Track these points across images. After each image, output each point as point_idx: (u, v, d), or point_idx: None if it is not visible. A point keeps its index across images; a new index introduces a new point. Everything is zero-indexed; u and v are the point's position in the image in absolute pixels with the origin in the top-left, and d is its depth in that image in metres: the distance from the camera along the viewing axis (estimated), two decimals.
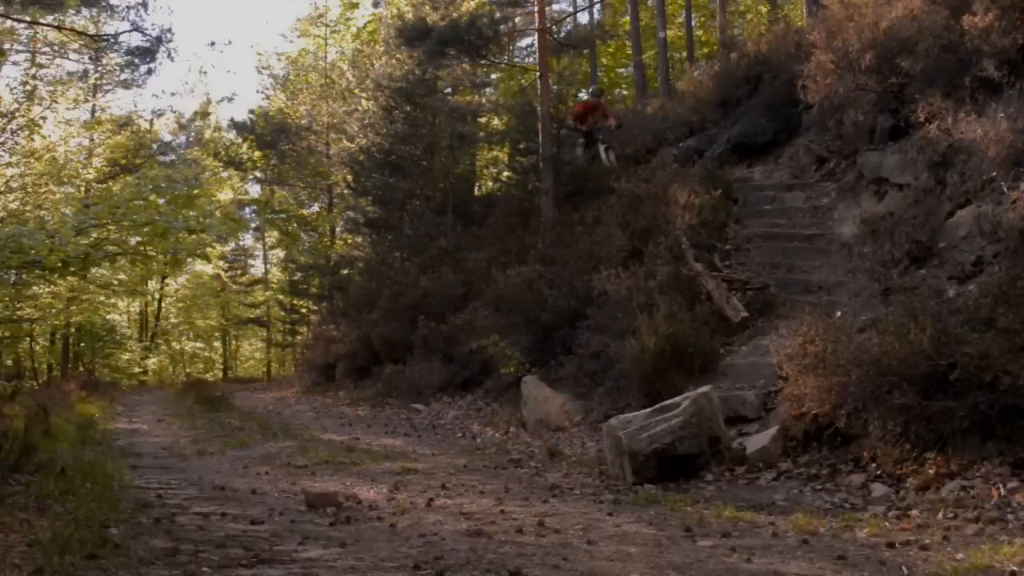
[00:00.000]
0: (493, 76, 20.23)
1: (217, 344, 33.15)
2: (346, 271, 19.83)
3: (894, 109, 8.78)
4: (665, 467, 5.72)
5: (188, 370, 31.10)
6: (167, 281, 28.78)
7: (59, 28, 14.91)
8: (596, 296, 9.29)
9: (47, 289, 14.28)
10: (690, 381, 7.08)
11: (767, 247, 9.38)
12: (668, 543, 4.13)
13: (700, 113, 13.62)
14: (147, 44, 15.01)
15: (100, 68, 18.90)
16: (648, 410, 6.09)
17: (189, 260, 12.36)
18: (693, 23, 20.79)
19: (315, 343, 17.98)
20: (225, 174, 25.52)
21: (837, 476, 5.38)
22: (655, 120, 14.45)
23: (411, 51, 15.46)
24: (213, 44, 39.88)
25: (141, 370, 25.90)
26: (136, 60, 16.44)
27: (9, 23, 13.75)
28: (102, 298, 19.33)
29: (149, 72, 20.19)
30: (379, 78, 19.12)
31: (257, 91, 40.82)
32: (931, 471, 4.91)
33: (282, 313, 26.28)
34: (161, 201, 5.42)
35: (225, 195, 25.16)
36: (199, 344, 32.60)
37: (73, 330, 21.23)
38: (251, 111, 25.76)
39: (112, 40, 15.79)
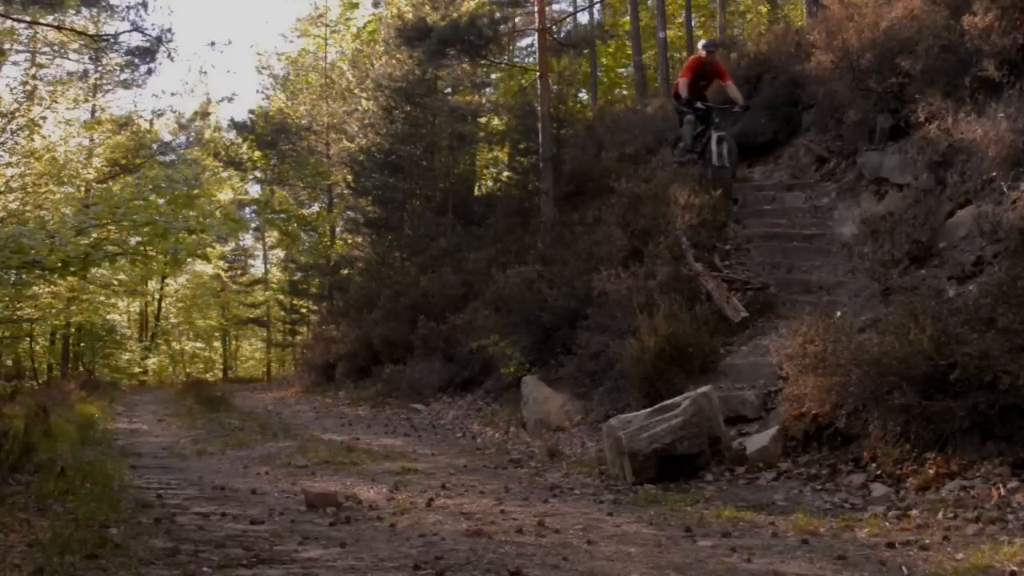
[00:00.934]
0: (493, 76, 20.23)
1: (217, 344, 33.17)
2: (346, 271, 19.84)
3: (894, 109, 8.78)
4: (665, 467, 5.72)
5: (188, 370, 31.11)
6: (167, 281, 28.79)
7: (59, 28, 14.91)
8: (596, 296, 9.29)
9: (47, 289, 14.28)
10: (690, 381, 7.08)
11: (767, 247, 9.38)
12: (668, 543, 4.13)
13: None
14: (147, 44, 15.05)
15: (100, 68, 18.90)
16: (648, 410, 6.09)
17: (189, 260, 12.37)
18: (693, 23, 20.80)
19: (315, 343, 17.98)
20: (225, 174, 25.53)
21: (837, 476, 5.38)
22: (655, 120, 14.43)
23: (411, 51, 15.45)
24: (213, 44, 39.92)
25: (141, 370, 25.90)
26: (136, 60, 16.47)
27: (9, 23, 13.74)
28: (102, 298, 19.33)
29: (149, 72, 20.23)
30: (379, 78, 19.12)
31: (257, 91, 40.86)
32: (931, 471, 4.91)
33: (282, 313, 26.28)
34: (161, 201, 5.42)
35: (225, 195, 25.18)
36: (199, 344, 32.61)
37: (73, 330, 21.23)
38: (251, 111, 25.81)
39: (112, 40, 15.81)
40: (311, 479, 6.30)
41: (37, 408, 7.64)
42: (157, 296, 29.71)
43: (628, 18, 20.42)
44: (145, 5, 16.56)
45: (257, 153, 24.50)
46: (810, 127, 11.16)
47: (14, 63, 16.58)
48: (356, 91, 22.72)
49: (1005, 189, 6.87)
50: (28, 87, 15.33)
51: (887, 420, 5.21)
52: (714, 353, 7.64)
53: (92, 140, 20.39)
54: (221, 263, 29.25)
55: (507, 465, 6.98)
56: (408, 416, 10.94)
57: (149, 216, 5.19)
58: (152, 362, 28.33)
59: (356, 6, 26.29)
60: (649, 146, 13.49)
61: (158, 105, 25.39)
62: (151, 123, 24.06)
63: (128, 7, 15.12)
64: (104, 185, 17.30)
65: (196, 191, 5.66)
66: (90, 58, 18.15)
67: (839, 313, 6.97)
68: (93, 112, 20.42)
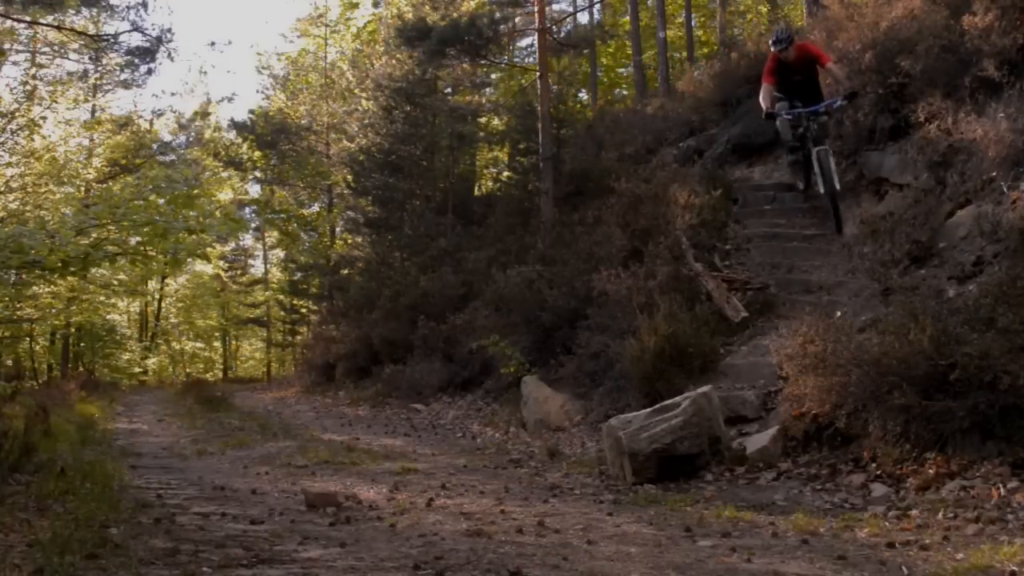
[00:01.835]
0: (493, 76, 20.24)
1: (217, 344, 33.19)
2: (346, 271, 19.85)
3: (894, 109, 8.78)
4: (665, 467, 5.72)
5: (188, 370, 31.11)
6: (167, 281, 28.81)
7: (59, 28, 14.92)
8: (596, 296, 9.29)
9: (47, 289, 14.28)
10: (690, 381, 7.08)
11: (767, 247, 9.37)
12: (668, 543, 4.13)
13: (700, 113, 13.62)
14: (147, 44, 15.05)
15: (100, 68, 18.91)
16: (648, 410, 6.09)
17: (189, 260, 12.37)
18: (693, 23, 20.80)
19: (315, 343, 17.99)
20: (225, 174, 25.55)
21: (837, 476, 5.38)
22: (655, 120, 14.44)
23: (411, 51, 15.46)
24: (213, 44, 40.01)
25: (141, 370, 25.91)
26: (136, 60, 16.47)
27: (9, 23, 13.75)
28: (102, 298, 19.34)
29: (149, 72, 20.25)
30: (379, 78, 19.13)
31: (257, 91, 40.93)
32: (931, 471, 4.91)
33: (282, 313, 26.29)
34: (161, 201, 5.43)
35: (225, 195, 25.20)
36: (199, 344, 32.63)
37: (73, 330, 21.24)
38: (251, 111, 25.83)
39: (112, 40, 15.81)
40: (311, 479, 6.30)
41: (37, 408, 7.63)
42: (157, 296, 29.72)
43: (628, 18, 20.42)
44: (145, 5, 16.59)
45: (257, 153, 24.51)
46: None
47: (14, 63, 16.60)
48: (356, 91, 22.73)
49: (1005, 189, 6.87)
50: (28, 87, 15.34)
51: (887, 420, 5.21)
52: (714, 353, 7.63)
53: (92, 140, 20.41)
54: (221, 263, 29.27)
55: (507, 465, 6.98)
56: (408, 416, 10.94)
57: (149, 216, 5.19)
58: (152, 362, 28.34)
59: (356, 6, 26.31)
60: (649, 146, 13.49)
61: (158, 105, 25.48)
62: (151, 123, 24.09)
63: (128, 7, 15.15)
64: (104, 185, 17.31)
65: (196, 191, 5.66)
66: (90, 58, 18.15)
67: (839, 313, 6.96)
68: (93, 112, 20.43)
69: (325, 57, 26.12)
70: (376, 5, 24.77)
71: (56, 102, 15.87)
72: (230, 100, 48.33)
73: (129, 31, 15.17)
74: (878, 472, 5.20)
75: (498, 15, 15.10)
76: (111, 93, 20.52)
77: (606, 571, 3.59)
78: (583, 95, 21.05)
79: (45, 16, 13.44)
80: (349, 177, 19.36)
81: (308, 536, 4.20)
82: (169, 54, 15.50)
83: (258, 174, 25.67)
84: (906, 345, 5.22)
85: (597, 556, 3.84)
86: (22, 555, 3.46)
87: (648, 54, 21.08)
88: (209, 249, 10.53)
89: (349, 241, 22.26)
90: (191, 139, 26.15)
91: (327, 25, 26.43)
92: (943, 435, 5.03)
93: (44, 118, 15.56)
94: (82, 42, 16.16)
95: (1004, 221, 6.56)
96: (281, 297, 26.41)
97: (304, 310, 24.64)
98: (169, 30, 22.36)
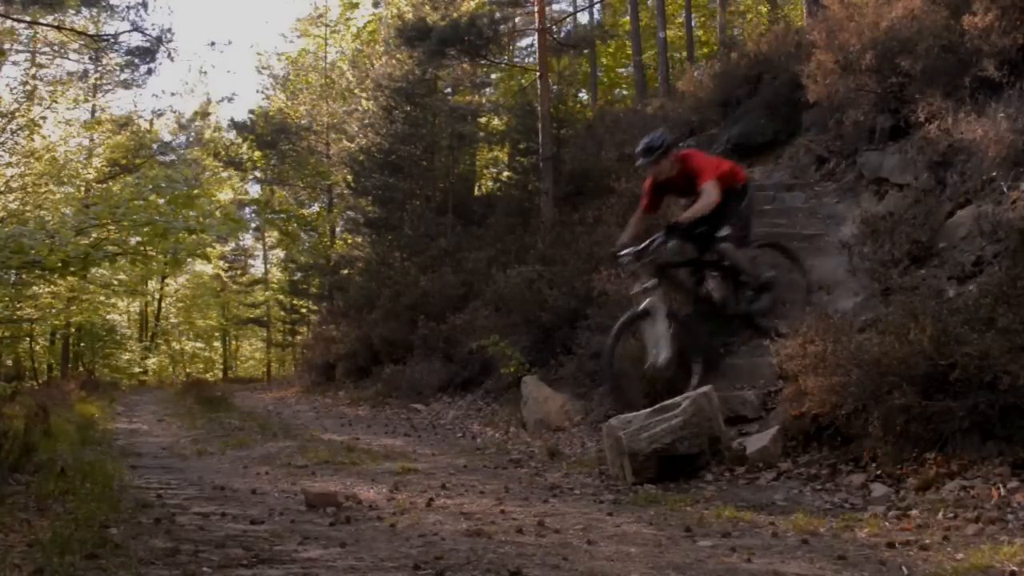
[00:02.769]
0: (493, 76, 20.24)
1: (217, 344, 33.20)
2: (346, 271, 19.86)
3: (894, 109, 8.78)
4: (665, 467, 5.72)
5: (188, 370, 31.12)
6: (167, 281, 28.82)
7: (59, 28, 14.93)
8: (596, 296, 9.29)
9: (47, 289, 14.29)
10: (690, 381, 7.07)
11: None
12: (668, 543, 4.13)
13: (700, 113, 13.62)
14: (147, 44, 15.05)
15: (100, 68, 18.93)
16: (648, 410, 6.09)
17: (189, 260, 12.38)
18: (693, 23, 20.81)
19: (315, 343, 17.99)
20: (225, 174, 25.56)
21: (837, 476, 5.38)
22: (655, 120, 14.43)
23: (411, 51, 15.46)
24: (213, 44, 40.02)
25: (141, 370, 25.93)
26: (136, 60, 16.46)
27: (9, 23, 13.75)
28: (102, 298, 19.35)
29: (149, 72, 20.25)
30: (379, 78, 19.14)
31: (257, 91, 40.90)
32: (931, 471, 4.91)
33: (282, 313, 26.31)
34: (161, 201, 5.43)
35: (225, 195, 25.21)
36: (199, 344, 32.65)
37: (73, 330, 21.26)
38: (251, 111, 25.84)
39: (112, 40, 15.81)
40: (311, 479, 6.29)
41: (37, 408, 7.63)
42: (157, 296, 29.73)
43: (628, 18, 20.43)
44: (145, 5, 16.55)
45: (257, 153, 24.53)
46: (810, 127, 11.16)
47: (14, 63, 16.61)
48: (356, 91, 22.73)
49: (1005, 189, 6.87)
50: (28, 87, 15.35)
51: (887, 420, 5.21)
52: (714, 353, 7.63)
53: (92, 140, 20.42)
54: (221, 263, 29.29)
55: (507, 465, 6.98)
56: (408, 416, 10.94)
57: (149, 216, 5.19)
58: (152, 362, 28.35)
59: (356, 6, 26.32)
60: None
61: (158, 105, 25.51)
62: (151, 123, 24.10)
63: (128, 7, 15.15)
64: (104, 185, 17.31)
65: (196, 191, 5.66)
66: (90, 58, 18.16)
67: (839, 313, 6.96)
68: (93, 112, 20.44)
69: (325, 57, 26.14)
70: (376, 5, 24.77)
71: (56, 102, 15.88)
72: (230, 100, 48.41)
73: (129, 31, 15.18)
74: (878, 472, 5.20)
75: (498, 15, 15.10)
76: (111, 93, 20.57)
77: (606, 571, 3.58)
78: (583, 95, 21.06)
79: (45, 16, 13.45)
80: (349, 177, 19.36)
81: (308, 536, 4.20)
82: (169, 54, 15.49)
83: (258, 174, 25.68)
84: (906, 345, 5.22)
85: (597, 556, 3.84)
86: (22, 555, 3.46)
87: (648, 54, 21.08)
88: (209, 249, 10.53)
89: (349, 241, 22.27)
90: (191, 139, 26.17)
91: (327, 25, 26.45)
92: (943, 435, 5.03)
93: (44, 118, 15.58)
94: (82, 42, 16.17)
95: (1004, 221, 6.56)
96: (281, 297, 26.42)
97: (304, 310, 24.65)
98: (169, 30, 22.35)
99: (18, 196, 14.98)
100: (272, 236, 29.27)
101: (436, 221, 15.80)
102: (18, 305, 13.83)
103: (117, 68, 18.59)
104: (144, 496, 5.28)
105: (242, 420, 10.88)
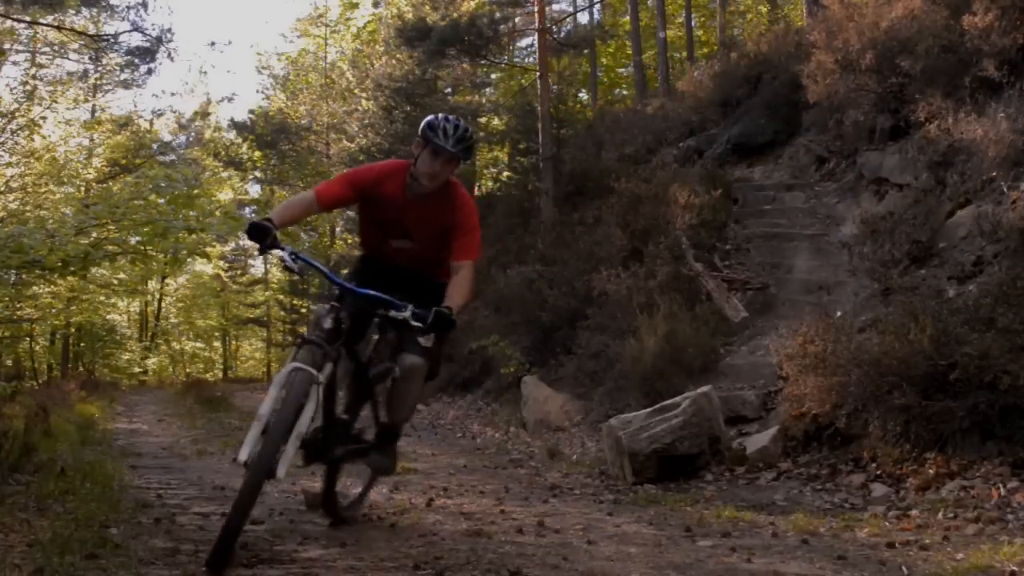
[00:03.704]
0: (493, 76, 20.23)
1: (217, 344, 33.17)
2: (346, 271, 19.84)
3: (894, 109, 8.78)
4: (665, 467, 5.72)
5: (188, 370, 31.10)
6: (167, 281, 28.78)
7: (59, 28, 14.92)
8: (596, 296, 9.29)
9: (47, 289, 14.27)
10: (690, 381, 7.08)
11: (767, 247, 9.38)
12: (668, 543, 4.13)
13: (700, 113, 13.62)
14: (147, 44, 15.03)
15: (100, 68, 18.90)
16: (648, 410, 6.09)
17: (189, 260, 12.38)
18: (693, 23, 20.80)
19: None
20: (225, 174, 25.53)
21: (837, 476, 5.39)
22: (655, 120, 14.44)
23: (411, 51, 15.45)
24: (213, 44, 39.99)
25: (141, 370, 25.91)
26: (136, 60, 16.45)
27: (9, 23, 13.75)
28: (102, 298, 19.33)
29: (149, 72, 20.24)
30: (379, 78, 19.12)
31: (257, 91, 40.89)
32: (931, 471, 4.91)
33: (282, 313, 26.29)
34: (161, 201, 5.44)
35: (225, 195, 25.17)
36: (199, 344, 32.61)
37: (73, 330, 21.24)
38: (251, 111, 25.82)
39: (112, 40, 15.80)
40: (311, 479, 6.29)
41: (37, 408, 7.62)
42: (157, 296, 29.71)
43: (628, 18, 20.42)
44: (145, 5, 16.58)
45: (257, 153, 24.51)
46: (810, 127, 11.16)
47: (14, 63, 16.59)
48: (356, 91, 22.72)
49: (1005, 189, 6.87)
50: (28, 87, 15.34)
51: (887, 420, 5.21)
52: (714, 353, 7.64)
53: (92, 140, 20.40)
54: (221, 263, 29.25)
55: (507, 465, 6.98)
56: None
57: (149, 216, 5.21)
58: (152, 362, 28.33)
59: (356, 6, 26.30)
60: (649, 146, 13.49)
61: (158, 105, 25.45)
62: (151, 123, 24.07)
63: (128, 7, 15.13)
64: (104, 185, 17.30)
65: (196, 191, 5.67)
66: (90, 58, 18.14)
67: (839, 313, 6.97)
68: (93, 112, 20.43)
69: (325, 57, 26.13)
70: (376, 5, 24.76)
71: (56, 102, 15.87)
72: (230, 100, 48.39)
73: (129, 31, 15.16)
74: (878, 472, 5.20)
75: (498, 15, 15.10)
76: (111, 93, 20.53)
77: (606, 571, 3.58)
78: (583, 95, 21.05)
79: (45, 16, 13.44)
80: None
81: (308, 536, 4.19)
82: (169, 54, 15.48)
83: (258, 174, 25.67)
84: (906, 345, 5.22)
85: (597, 556, 3.84)
86: (22, 555, 3.45)
87: (648, 54, 21.07)
88: (209, 248, 10.53)
89: (349, 241, 22.26)
90: (191, 139, 26.15)
91: (327, 25, 26.44)
92: (943, 435, 5.03)
93: (44, 118, 15.57)
94: (82, 42, 16.15)
95: (1004, 221, 6.56)
96: (281, 297, 26.41)
97: (304, 310, 24.64)
98: (169, 30, 22.37)
99: (18, 196, 14.97)
100: None
101: None
102: (18, 305, 13.82)
103: (117, 68, 18.57)
104: (144, 496, 5.27)
105: (242, 420, 10.87)
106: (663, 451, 5.69)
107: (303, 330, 5.81)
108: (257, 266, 31.98)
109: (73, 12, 14.58)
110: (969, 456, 4.90)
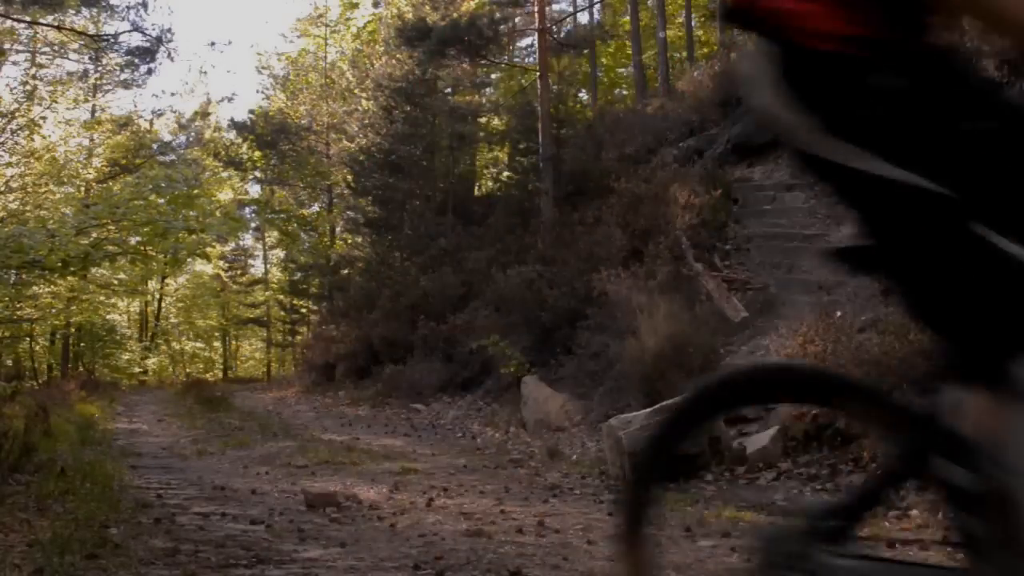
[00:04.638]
0: (493, 76, 20.24)
1: (217, 344, 33.17)
2: (346, 271, 19.85)
3: None
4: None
5: (188, 370, 31.09)
6: (167, 281, 28.78)
7: (59, 28, 14.93)
8: (596, 296, 9.29)
9: (47, 289, 14.28)
10: (690, 381, 7.07)
11: (767, 247, 9.38)
12: (668, 543, 4.13)
13: (700, 113, 13.62)
14: (147, 44, 15.07)
15: (100, 68, 18.91)
16: (648, 410, 6.09)
17: (189, 260, 12.38)
18: (693, 23, 20.79)
19: (315, 343, 17.99)
20: (225, 174, 25.53)
21: (837, 476, 5.38)
22: (655, 120, 14.44)
23: (411, 51, 15.47)
24: (213, 44, 40.12)
25: (141, 370, 25.91)
26: (136, 60, 16.48)
27: (9, 23, 13.75)
28: (102, 298, 19.33)
29: (149, 72, 20.23)
30: (379, 78, 19.13)
31: (257, 91, 40.91)
32: None
33: (282, 313, 26.30)
34: (161, 201, 5.44)
35: (225, 195, 25.17)
36: (199, 344, 32.62)
37: (73, 330, 21.24)
38: (251, 111, 25.85)
39: (112, 40, 15.82)
40: (311, 479, 6.29)
41: (37, 408, 7.62)
42: (157, 296, 29.70)
43: (628, 18, 20.42)
44: (145, 5, 16.54)
45: (257, 153, 24.53)
46: None
47: (14, 63, 16.59)
48: (356, 91, 22.73)
49: None
50: (28, 87, 15.34)
51: None
52: (714, 353, 7.64)
53: (92, 140, 20.40)
54: (221, 263, 29.25)
55: (507, 465, 6.98)
56: (408, 416, 10.94)
57: (149, 216, 5.21)
58: (152, 362, 28.33)
59: (356, 6, 26.31)
60: (649, 146, 13.49)
61: (158, 105, 25.49)
62: (151, 123, 24.09)
63: (128, 7, 15.16)
64: (104, 185, 17.30)
65: (196, 191, 5.67)
66: (90, 58, 18.16)
67: (839, 313, 6.96)
68: (93, 112, 20.43)
69: (325, 57, 26.13)
70: (376, 5, 24.78)
71: (56, 102, 15.87)
72: (230, 100, 48.44)
73: (129, 31, 15.21)
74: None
75: (498, 15, 15.11)
76: (111, 93, 20.54)
77: (606, 571, 3.58)
78: (583, 95, 21.05)
79: (45, 16, 13.46)
80: (349, 177, 19.37)
81: (308, 536, 4.20)
82: (169, 54, 15.53)
83: (258, 174, 25.69)
84: (906, 345, 5.22)
85: (597, 556, 3.84)
86: (22, 555, 3.45)
87: (648, 54, 21.07)
88: (209, 249, 10.54)
89: (349, 241, 22.26)
90: (191, 139, 26.17)
91: (327, 25, 26.45)
92: None
93: (44, 118, 15.57)
94: (82, 42, 16.17)
95: None
96: (281, 297, 26.43)
97: (304, 310, 24.65)
98: (169, 30, 22.43)
99: (18, 196, 14.98)
100: (272, 236, 29.27)
101: (436, 221, 15.81)
102: (18, 305, 13.82)
103: (117, 68, 18.59)
104: (144, 496, 5.27)
105: (242, 420, 10.88)
106: None
107: None
108: (257, 266, 32.01)
109: (73, 12, 14.60)
110: None
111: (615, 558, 1.63)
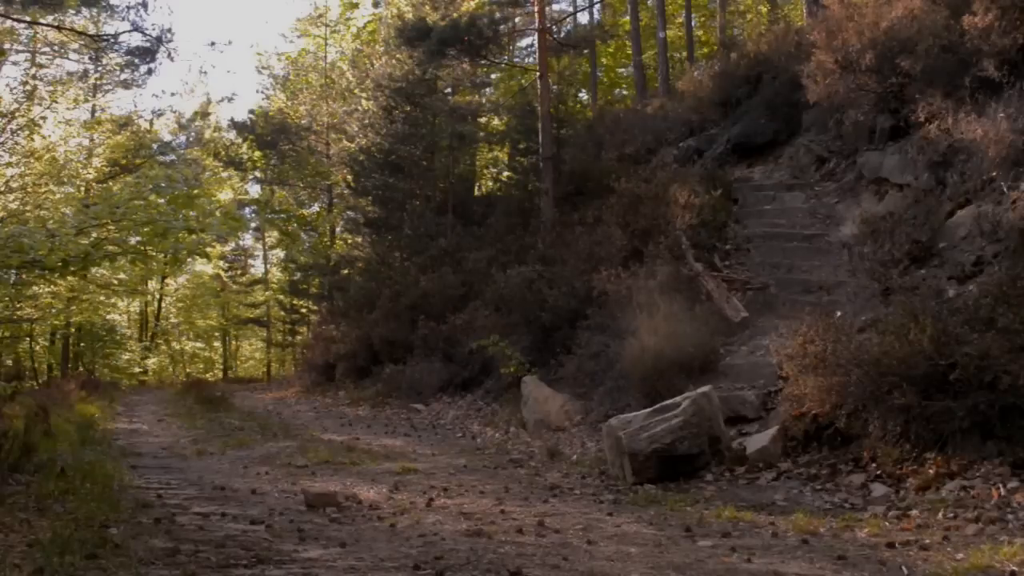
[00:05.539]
0: (493, 76, 20.23)
1: (217, 344, 33.14)
2: (346, 271, 19.84)
3: (894, 109, 8.78)
4: (665, 467, 5.72)
5: (188, 370, 31.08)
6: (167, 281, 28.76)
7: (59, 28, 14.92)
8: (596, 296, 9.29)
9: (47, 289, 14.27)
10: (690, 381, 7.07)
11: (767, 247, 9.38)
12: (668, 543, 4.13)
13: (700, 113, 13.62)
14: (147, 44, 15.03)
15: (100, 68, 18.90)
16: (648, 410, 6.09)
17: (189, 260, 12.38)
18: (693, 23, 20.80)
19: (315, 343, 17.98)
20: (225, 174, 25.51)
21: (837, 476, 5.38)
22: (655, 120, 14.44)
23: (411, 51, 15.46)
24: (213, 44, 39.74)
25: (141, 370, 25.89)
26: (136, 60, 16.45)
27: (9, 23, 13.75)
28: (102, 298, 19.32)
29: (149, 72, 20.25)
30: (379, 78, 19.12)
31: (257, 91, 40.85)
32: (931, 471, 4.91)
33: (282, 313, 26.28)
34: (161, 201, 5.43)
35: (225, 195, 25.16)
36: (199, 344, 32.59)
37: (73, 330, 21.22)
38: (251, 111, 25.82)
39: (112, 40, 15.80)
40: (311, 479, 6.29)
41: (37, 408, 7.62)
42: (157, 296, 29.69)
43: (628, 18, 20.41)
44: (145, 5, 16.51)
45: (257, 153, 24.51)
46: (810, 127, 11.15)
47: (14, 63, 16.58)
48: (356, 91, 22.71)
49: (1005, 189, 6.87)
50: (28, 87, 15.32)
51: (887, 420, 5.21)
52: (714, 353, 7.63)
53: (92, 140, 20.38)
54: (221, 263, 29.23)
55: (507, 465, 6.98)
56: (408, 416, 10.94)
57: (149, 216, 5.20)
58: (152, 362, 28.31)
59: (356, 6, 26.29)
60: (649, 146, 13.49)
61: (158, 105, 25.41)
62: (151, 123, 24.07)
63: (128, 7, 15.13)
64: (104, 185, 17.30)
65: (196, 191, 5.66)
66: (90, 58, 18.14)
67: (839, 313, 6.97)
68: (93, 112, 20.42)
69: (325, 57, 26.12)
70: (376, 5, 24.76)
71: (56, 102, 15.85)
72: (230, 100, 48.22)
73: (129, 31, 15.17)
74: (878, 472, 5.20)
75: (498, 15, 15.09)
76: (111, 93, 20.51)
77: (606, 571, 3.58)
78: (583, 95, 21.05)
79: (45, 16, 13.44)
80: (349, 177, 19.36)
81: (308, 536, 4.20)
82: (169, 54, 15.46)
83: (258, 174, 25.67)
84: (906, 345, 5.22)
85: (597, 556, 3.84)
86: (22, 555, 3.46)
87: (648, 54, 21.06)
88: (209, 249, 10.52)
89: (349, 241, 22.25)
90: (191, 139, 26.14)
91: (327, 25, 26.42)
92: (943, 435, 5.03)
93: (44, 118, 15.54)
94: (82, 42, 16.16)
95: (1004, 221, 6.57)
96: (281, 297, 26.40)
97: (304, 310, 24.63)
98: (169, 30, 22.37)
99: (18, 196, 14.95)
100: (272, 236, 29.23)
101: (436, 221, 15.79)
102: (18, 305, 13.82)
103: (117, 68, 18.55)
104: (144, 496, 5.28)
105: (242, 420, 10.88)
106: (663, 451, 5.69)
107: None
108: (257, 266, 32.00)
109: (73, 12, 14.57)
110: (969, 456, 4.90)
111: None
